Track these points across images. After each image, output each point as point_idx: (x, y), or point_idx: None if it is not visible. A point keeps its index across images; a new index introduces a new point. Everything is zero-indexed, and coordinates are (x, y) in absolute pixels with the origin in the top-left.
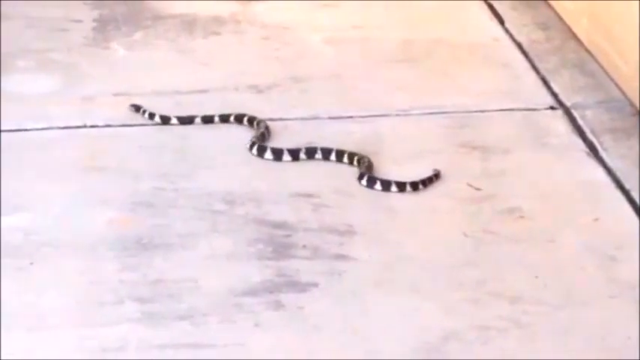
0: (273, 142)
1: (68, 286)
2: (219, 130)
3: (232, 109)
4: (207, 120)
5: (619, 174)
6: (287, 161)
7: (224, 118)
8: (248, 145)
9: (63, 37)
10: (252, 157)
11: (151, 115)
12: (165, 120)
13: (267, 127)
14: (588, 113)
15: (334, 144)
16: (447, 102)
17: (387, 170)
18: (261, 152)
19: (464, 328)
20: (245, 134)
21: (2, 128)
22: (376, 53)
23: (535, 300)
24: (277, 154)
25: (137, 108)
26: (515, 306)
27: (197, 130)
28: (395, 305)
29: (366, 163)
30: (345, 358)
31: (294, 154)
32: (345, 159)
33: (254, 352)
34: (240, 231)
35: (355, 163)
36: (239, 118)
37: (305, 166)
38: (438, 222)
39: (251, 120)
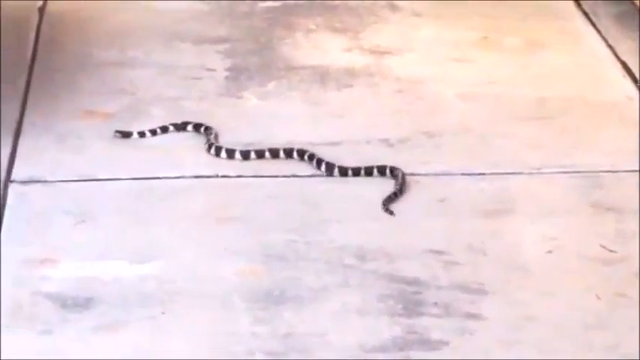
0: (406, 198)
1: (199, 336)
2: (349, 183)
3: (364, 162)
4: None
5: None
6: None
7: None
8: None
9: (196, 85)
10: (382, 211)
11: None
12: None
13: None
14: None
15: (465, 200)
16: (580, 161)
17: (518, 229)
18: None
19: None
20: (374, 187)
21: (135, 176)
22: (509, 110)
23: None
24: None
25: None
26: None
27: (327, 182)
28: None
29: None
30: None
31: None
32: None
33: None
34: (371, 286)
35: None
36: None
37: (437, 223)
38: (571, 283)
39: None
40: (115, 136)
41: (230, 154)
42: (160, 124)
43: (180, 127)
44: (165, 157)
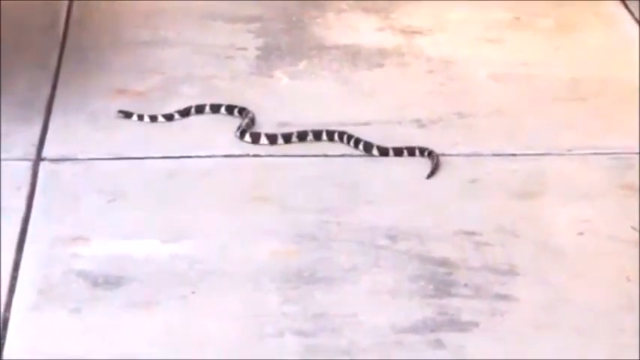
0: (437, 178)
1: (229, 316)
2: (381, 163)
3: (395, 143)
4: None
5: None
6: None
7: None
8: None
9: (227, 64)
10: (415, 192)
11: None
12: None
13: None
14: None
15: (496, 181)
16: (612, 143)
17: (550, 210)
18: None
19: None
20: (406, 168)
21: (166, 155)
22: (542, 91)
23: None
24: None
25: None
26: None
27: (359, 162)
28: (557, 348)
29: None
30: None
31: None
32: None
33: None
34: (403, 267)
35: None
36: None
37: (468, 204)
38: (602, 265)
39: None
40: (118, 117)
41: (255, 138)
42: (165, 112)
43: (184, 113)
44: (197, 136)
